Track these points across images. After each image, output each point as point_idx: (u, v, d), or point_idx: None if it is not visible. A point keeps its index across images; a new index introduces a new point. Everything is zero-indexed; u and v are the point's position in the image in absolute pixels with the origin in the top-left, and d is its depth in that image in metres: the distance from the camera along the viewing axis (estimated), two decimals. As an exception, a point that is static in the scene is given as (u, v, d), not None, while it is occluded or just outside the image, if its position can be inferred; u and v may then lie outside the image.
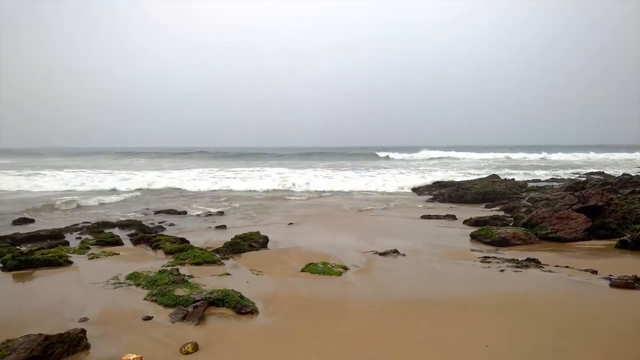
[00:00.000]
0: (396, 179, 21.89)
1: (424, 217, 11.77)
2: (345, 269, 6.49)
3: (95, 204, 14.55)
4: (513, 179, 19.00)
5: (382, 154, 57.99)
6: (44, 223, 11.02)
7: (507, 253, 7.51)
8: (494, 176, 20.17)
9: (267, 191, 18.49)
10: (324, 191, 18.64)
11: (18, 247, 7.72)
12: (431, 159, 50.94)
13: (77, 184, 20.24)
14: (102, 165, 38.25)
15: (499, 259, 6.97)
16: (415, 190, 18.57)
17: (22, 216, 11.45)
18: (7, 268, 6.31)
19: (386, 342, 4.01)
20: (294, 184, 20.07)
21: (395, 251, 7.39)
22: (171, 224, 11.01)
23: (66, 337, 3.69)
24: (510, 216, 11.36)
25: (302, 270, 6.40)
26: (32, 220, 11.29)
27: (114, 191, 18.30)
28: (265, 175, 25.67)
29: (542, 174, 25.74)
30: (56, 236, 8.79)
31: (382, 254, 7.32)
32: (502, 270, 6.26)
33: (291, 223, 10.90)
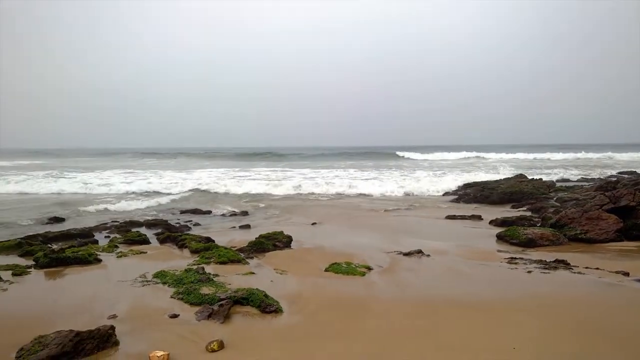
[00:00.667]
0: (428, 180, 20.82)
1: (448, 217, 11.64)
2: (369, 269, 6.46)
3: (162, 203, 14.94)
4: (541, 179, 18.59)
5: (401, 154, 56.63)
6: (74, 222, 11.32)
7: (535, 254, 7.37)
8: (521, 176, 19.77)
9: (290, 190, 18.50)
10: (346, 191, 18.57)
11: (49, 245, 7.94)
12: (463, 159, 49.21)
13: (141, 186, 19.98)
14: (134, 166, 38.97)
15: (526, 260, 6.84)
16: (448, 193, 17.69)
17: (54, 215, 11.78)
18: (39, 265, 6.50)
19: (411, 344, 3.98)
20: (317, 184, 20.04)
21: (420, 251, 7.32)
22: (196, 224, 11.17)
23: (96, 334, 3.78)
24: (537, 216, 11.13)
25: (326, 270, 6.40)
26: (62, 219, 11.63)
27: (164, 194, 18.28)
28: (288, 175, 25.79)
29: (571, 174, 25.11)
30: (86, 235, 9.03)
31: (406, 254, 7.27)
32: (529, 272, 6.14)
33: (314, 223, 10.92)
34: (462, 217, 11.48)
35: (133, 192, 18.23)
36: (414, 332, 4.23)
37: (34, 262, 6.66)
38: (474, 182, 19.61)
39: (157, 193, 17.87)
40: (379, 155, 57.36)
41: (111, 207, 13.73)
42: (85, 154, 76.46)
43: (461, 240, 8.64)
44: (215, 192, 17.87)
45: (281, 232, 8.56)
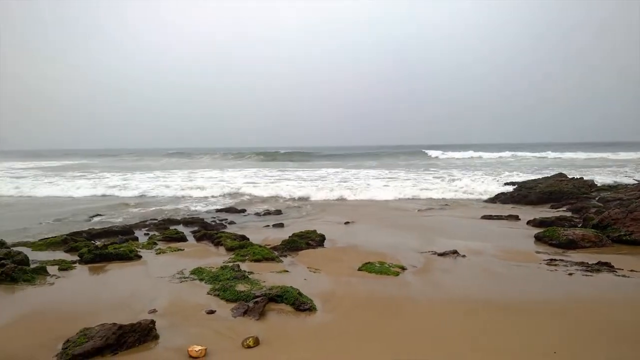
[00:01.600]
0: (468, 181, 19.92)
1: (484, 217, 11.41)
2: (403, 269, 6.42)
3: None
4: (582, 178, 17.95)
5: (430, 152, 54.83)
6: (116, 219, 11.73)
7: (576, 256, 7.14)
8: (561, 175, 19.11)
9: (322, 189, 18.51)
10: (376, 196, 18.40)
11: (93, 242, 8.25)
12: (502, 158, 47.47)
13: (176, 185, 20.38)
14: (155, 167, 39.93)
15: (566, 261, 6.64)
16: (495, 198, 15.68)
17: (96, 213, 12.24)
18: (83, 261, 6.77)
19: (445, 345, 3.94)
20: (349, 184, 20.00)
21: (455, 252, 7.22)
22: (231, 222, 11.37)
23: (138, 327, 3.92)
24: (578, 217, 10.78)
25: (359, 270, 6.41)
26: (101, 215, 12.10)
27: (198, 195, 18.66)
28: (319, 175, 25.87)
29: (612, 173, 24.13)
30: (126, 232, 9.33)
31: (440, 255, 7.19)
32: (570, 274, 5.96)
33: (347, 222, 10.93)
34: (499, 217, 11.24)
35: (166, 191, 18.66)
36: (449, 333, 4.19)
37: (78, 258, 6.94)
38: (512, 182, 19.13)
39: (190, 192, 18.22)
40: (408, 154, 55.60)
41: (149, 206, 14.13)
42: (110, 154, 78.25)
43: (497, 240, 8.46)
44: (250, 192, 18.08)
45: (314, 231, 8.61)
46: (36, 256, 7.20)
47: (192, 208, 13.99)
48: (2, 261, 5.93)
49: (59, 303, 5.04)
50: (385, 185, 19.09)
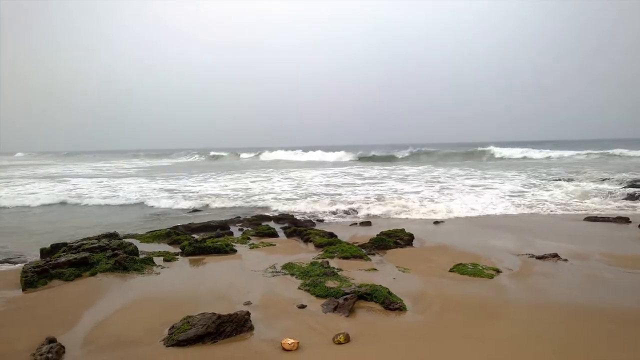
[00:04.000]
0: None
1: (588, 218, 10.52)
2: (498, 271, 6.13)
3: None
4: None
5: (495, 150, 44.96)
6: (210, 214, 12.44)
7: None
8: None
9: (406, 189, 18.18)
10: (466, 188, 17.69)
11: (193, 235, 8.83)
12: (586, 155, 40.41)
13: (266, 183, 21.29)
14: (245, 165, 41.46)
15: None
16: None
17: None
18: (185, 253, 7.28)
19: (543, 354, 3.68)
20: (436, 182, 19.44)
21: (555, 255, 6.74)
22: (319, 219, 11.55)
23: (235, 318, 4.13)
24: None
25: (451, 270, 6.22)
26: (199, 210, 12.96)
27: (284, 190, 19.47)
28: (397, 174, 25.43)
29: None
30: (223, 227, 9.86)
31: (539, 258, 6.75)
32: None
33: (437, 221, 10.64)
34: (605, 219, 10.29)
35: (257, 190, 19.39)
36: (547, 342, 3.91)
37: (180, 250, 7.47)
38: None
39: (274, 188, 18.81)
40: (465, 154, 46.29)
41: (245, 203, 14.80)
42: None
43: (604, 244, 7.77)
44: (334, 190, 18.25)
45: (402, 230, 8.50)
46: (144, 247, 7.86)
47: (282, 206, 14.43)
48: (116, 251, 6.56)
49: (164, 291, 5.47)
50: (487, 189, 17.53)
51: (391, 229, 8.59)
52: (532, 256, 6.90)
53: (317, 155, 53.23)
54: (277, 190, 18.19)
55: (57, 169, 40.42)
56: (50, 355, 3.60)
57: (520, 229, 9.41)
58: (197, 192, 17.84)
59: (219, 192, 18.08)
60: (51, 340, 3.84)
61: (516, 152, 43.51)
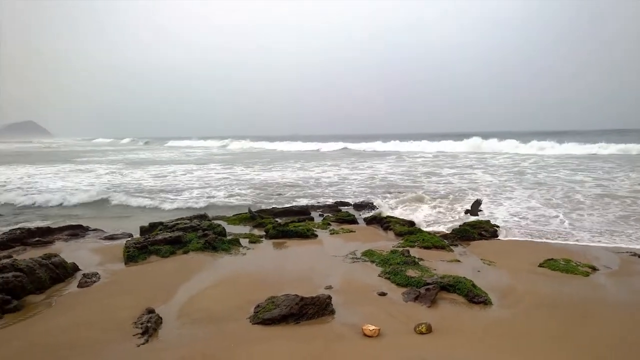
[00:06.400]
0: None
1: None
2: (594, 269, 5.72)
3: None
4: None
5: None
6: (289, 200, 12.76)
7: None
8: None
9: (491, 179, 17.35)
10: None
11: (276, 219, 9.13)
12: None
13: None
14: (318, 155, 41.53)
15: None
16: None
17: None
18: (269, 236, 7.56)
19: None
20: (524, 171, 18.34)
21: (663, 255, 6.15)
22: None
23: (317, 301, 4.24)
24: None
25: (540, 266, 5.90)
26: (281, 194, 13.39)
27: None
28: (482, 162, 24.28)
29: None
30: (304, 212, 10.08)
31: (643, 257, 6.20)
32: None
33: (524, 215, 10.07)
34: None
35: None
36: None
37: (264, 233, 7.77)
38: None
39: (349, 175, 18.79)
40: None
41: (317, 189, 15.00)
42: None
43: None
44: (412, 180, 17.89)
45: (487, 222, 8.20)
46: (230, 229, 8.26)
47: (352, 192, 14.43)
48: (206, 231, 6.97)
49: (250, 271, 5.74)
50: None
51: (475, 220, 8.30)
52: (635, 254, 6.35)
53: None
54: (357, 180, 18.18)
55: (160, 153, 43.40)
56: (149, 324, 3.93)
57: (619, 223, 8.62)
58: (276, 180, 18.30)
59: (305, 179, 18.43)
60: (150, 311, 4.20)
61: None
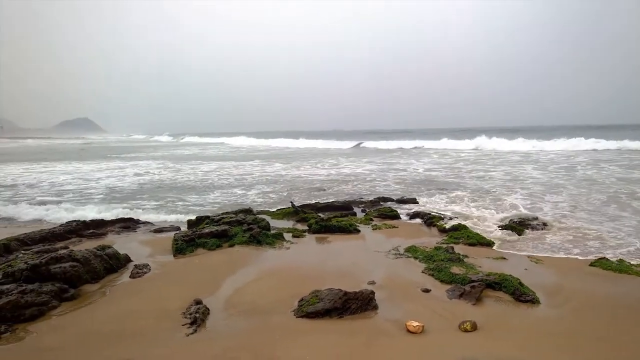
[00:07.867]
0: None
1: None
2: (650, 269, 5.45)
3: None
4: None
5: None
6: (332, 194, 12.80)
7: None
8: None
9: (540, 172, 16.75)
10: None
11: (319, 214, 9.20)
12: None
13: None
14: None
15: None
16: None
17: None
18: (311, 231, 7.64)
19: None
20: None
21: None
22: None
23: (360, 295, 4.26)
24: None
25: (591, 265, 5.68)
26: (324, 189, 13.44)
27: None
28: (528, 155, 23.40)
29: None
30: (346, 207, 10.09)
31: None
32: None
33: (574, 208, 9.69)
34: None
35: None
36: None
37: (307, 228, 7.86)
38: None
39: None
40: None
41: (360, 185, 14.97)
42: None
43: None
44: (455, 176, 17.55)
45: (535, 218, 7.97)
46: (274, 224, 8.39)
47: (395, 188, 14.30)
48: (251, 225, 7.12)
49: (293, 266, 5.82)
50: None
51: (522, 216, 8.07)
52: (697, 255, 6.01)
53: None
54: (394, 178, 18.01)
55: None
56: (197, 315, 4.07)
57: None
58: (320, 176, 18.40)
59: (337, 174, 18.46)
60: (198, 302, 4.35)
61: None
